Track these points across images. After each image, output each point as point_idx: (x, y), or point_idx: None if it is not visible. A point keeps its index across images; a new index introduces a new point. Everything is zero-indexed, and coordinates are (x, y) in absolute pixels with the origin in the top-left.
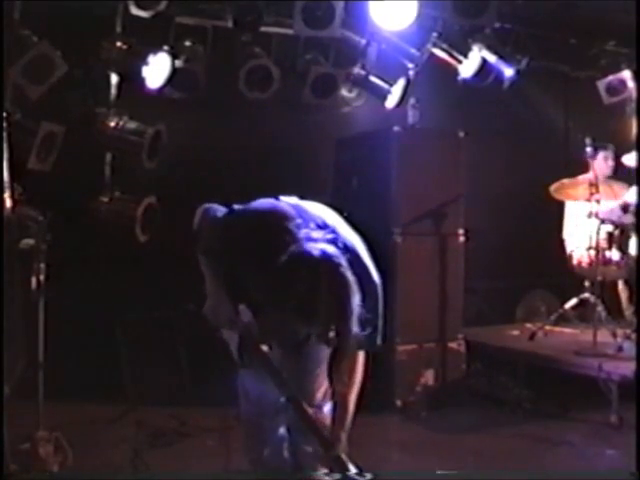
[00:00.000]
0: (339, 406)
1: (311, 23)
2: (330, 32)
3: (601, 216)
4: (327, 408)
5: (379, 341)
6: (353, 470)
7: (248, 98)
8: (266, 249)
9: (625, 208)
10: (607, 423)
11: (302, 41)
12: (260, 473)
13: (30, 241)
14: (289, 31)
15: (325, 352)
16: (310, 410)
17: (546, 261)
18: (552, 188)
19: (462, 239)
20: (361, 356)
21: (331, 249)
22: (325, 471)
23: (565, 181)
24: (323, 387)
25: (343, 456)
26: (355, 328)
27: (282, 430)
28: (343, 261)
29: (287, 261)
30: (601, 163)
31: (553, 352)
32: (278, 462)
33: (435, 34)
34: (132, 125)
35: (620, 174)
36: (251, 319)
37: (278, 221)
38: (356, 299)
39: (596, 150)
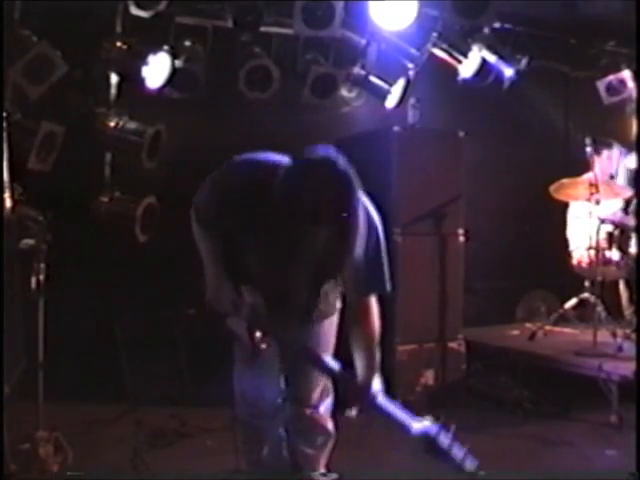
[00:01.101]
0: (365, 354)
1: (311, 23)
2: (330, 32)
3: (602, 217)
4: (324, 408)
5: (389, 287)
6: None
7: (248, 98)
8: (261, 187)
9: (626, 207)
10: (607, 423)
11: (302, 41)
12: (259, 473)
13: (30, 241)
14: (289, 31)
15: (323, 348)
16: (308, 410)
17: (546, 261)
18: (552, 188)
19: (462, 239)
20: (373, 301)
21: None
22: (323, 471)
23: (565, 181)
24: (319, 387)
25: (380, 400)
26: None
27: (280, 430)
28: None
29: (283, 182)
30: (604, 162)
31: (553, 352)
32: (277, 462)
33: (435, 34)
34: (132, 125)
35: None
36: (255, 298)
37: (273, 162)
38: (358, 194)
39: (598, 148)
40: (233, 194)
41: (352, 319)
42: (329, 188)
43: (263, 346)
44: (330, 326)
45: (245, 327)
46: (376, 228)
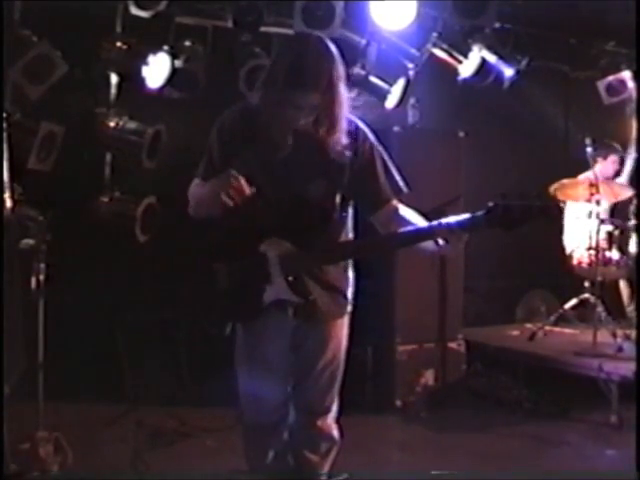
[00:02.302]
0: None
1: (311, 23)
2: (330, 32)
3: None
4: (332, 414)
5: (405, 189)
6: None
7: (248, 98)
8: (251, 118)
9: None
10: (607, 423)
11: None
12: (261, 474)
13: (30, 241)
14: (289, 31)
15: (334, 350)
16: (318, 420)
17: (546, 261)
18: (552, 188)
19: None
20: (397, 203)
21: None
22: (329, 472)
23: (565, 181)
24: (330, 394)
25: None
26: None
27: (285, 436)
28: None
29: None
30: (608, 165)
31: (553, 352)
32: (282, 468)
33: (435, 34)
34: (132, 125)
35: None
36: (281, 246)
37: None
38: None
39: (604, 149)
40: (229, 129)
41: (385, 224)
42: (309, 52)
43: (311, 297)
44: (342, 328)
45: (288, 289)
46: (371, 140)
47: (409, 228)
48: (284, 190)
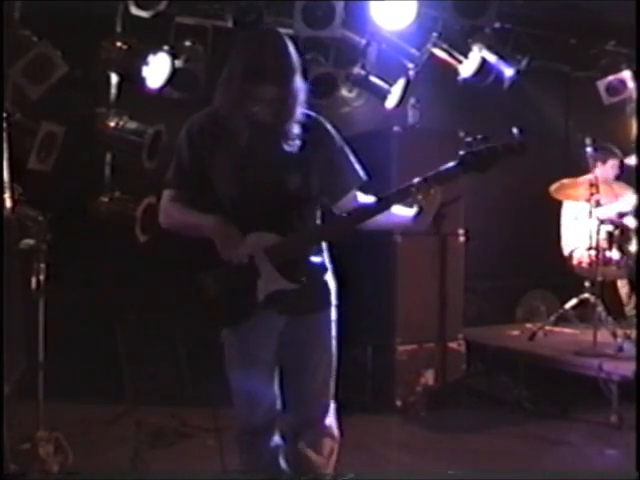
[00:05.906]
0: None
1: (311, 23)
2: (330, 32)
3: (601, 217)
4: (331, 412)
5: (364, 176)
6: None
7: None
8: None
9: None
10: (607, 423)
11: (302, 41)
12: (261, 474)
13: (30, 241)
14: (289, 31)
15: (322, 346)
16: (318, 421)
17: (546, 261)
18: (552, 188)
19: (462, 239)
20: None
21: None
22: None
23: (565, 181)
24: (327, 390)
25: None
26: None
27: (277, 438)
28: None
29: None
30: (608, 169)
31: (553, 352)
32: (275, 469)
33: (435, 34)
34: (132, 125)
35: (620, 174)
36: (263, 237)
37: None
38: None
39: (603, 153)
40: (198, 133)
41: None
42: (266, 46)
43: (303, 279)
44: (326, 321)
45: (279, 277)
46: (330, 131)
47: (389, 191)
48: (258, 187)
